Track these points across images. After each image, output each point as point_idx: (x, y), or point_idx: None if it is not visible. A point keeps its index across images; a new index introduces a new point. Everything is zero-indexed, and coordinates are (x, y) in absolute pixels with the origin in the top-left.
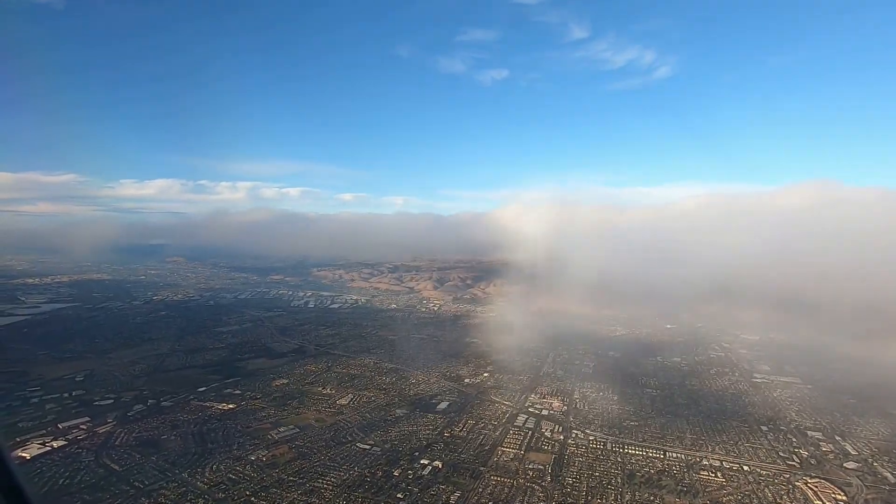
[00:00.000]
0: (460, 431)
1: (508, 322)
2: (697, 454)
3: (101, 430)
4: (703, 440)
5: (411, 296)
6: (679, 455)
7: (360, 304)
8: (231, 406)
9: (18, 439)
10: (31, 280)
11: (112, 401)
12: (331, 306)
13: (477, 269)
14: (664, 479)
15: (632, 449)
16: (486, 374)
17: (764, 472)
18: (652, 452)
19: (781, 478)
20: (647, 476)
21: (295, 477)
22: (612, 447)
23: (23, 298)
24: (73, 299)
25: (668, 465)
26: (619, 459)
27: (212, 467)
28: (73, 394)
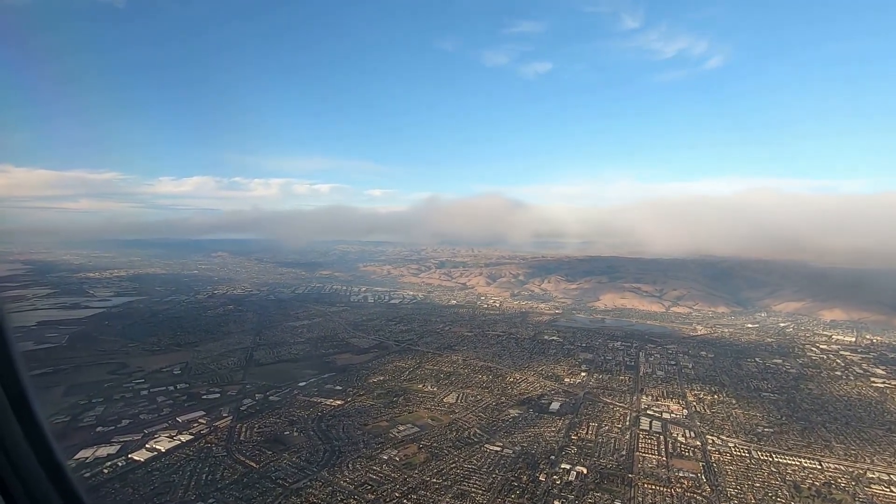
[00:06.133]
0: (587, 434)
1: (580, 319)
2: (857, 465)
3: (221, 424)
4: (854, 450)
5: (466, 292)
6: (838, 466)
7: (418, 299)
8: (339, 402)
9: (146, 431)
10: (91, 274)
11: (218, 394)
12: (391, 302)
13: (523, 265)
14: (835, 492)
15: (781, 458)
16: (583, 374)
17: None
18: (807, 462)
19: None
20: (814, 489)
21: (437, 479)
22: (758, 455)
23: (91, 292)
24: (139, 293)
25: (830, 476)
26: (774, 469)
27: (348, 466)
28: (178, 386)
